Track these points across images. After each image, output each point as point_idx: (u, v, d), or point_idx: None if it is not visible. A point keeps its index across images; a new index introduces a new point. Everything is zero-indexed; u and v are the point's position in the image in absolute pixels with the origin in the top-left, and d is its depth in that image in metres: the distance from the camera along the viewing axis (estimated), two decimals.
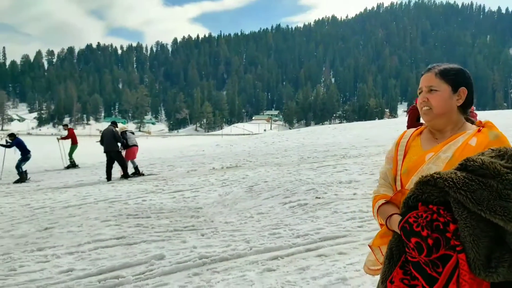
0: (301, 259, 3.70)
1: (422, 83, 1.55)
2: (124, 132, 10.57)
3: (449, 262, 1.16)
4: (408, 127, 9.43)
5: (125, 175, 9.94)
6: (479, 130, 1.45)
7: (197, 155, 15.40)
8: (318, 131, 25.30)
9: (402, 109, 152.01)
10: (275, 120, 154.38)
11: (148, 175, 10.25)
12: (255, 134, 43.69)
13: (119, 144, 10.16)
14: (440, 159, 1.43)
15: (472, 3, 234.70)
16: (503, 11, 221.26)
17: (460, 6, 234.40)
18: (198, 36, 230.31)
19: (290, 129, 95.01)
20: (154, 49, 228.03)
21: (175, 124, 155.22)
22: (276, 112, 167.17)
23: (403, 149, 1.60)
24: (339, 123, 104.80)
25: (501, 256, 1.13)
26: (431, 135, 1.56)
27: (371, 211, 1.51)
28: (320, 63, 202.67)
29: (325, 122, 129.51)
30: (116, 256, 3.99)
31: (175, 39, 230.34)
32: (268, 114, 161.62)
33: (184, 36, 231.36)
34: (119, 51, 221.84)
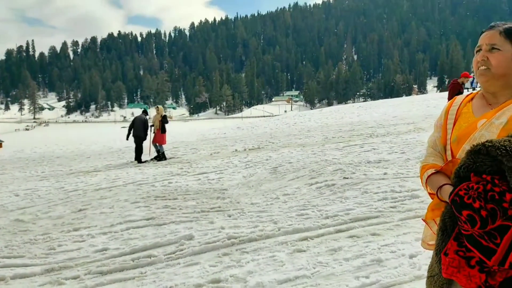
0: (332, 240, 3.63)
1: (482, 40, 1.42)
2: (165, 116, 10.67)
3: (508, 232, 1.11)
4: None
5: (159, 157, 10.14)
6: None
7: (219, 138, 15.43)
8: (341, 110, 24.83)
9: (431, 84, 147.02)
10: (296, 101, 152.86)
11: (171, 158, 10.35)
12: (276, 115, 43.41)
13: (148, 131, 10.55)
14: (494, 126, 1.34)
15: None
16: None
17: None
18: (215, 19, 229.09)
19: (311, 109, 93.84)
20: (172, 34, 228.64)
21: (196, 108, 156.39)
22: (296, 93, 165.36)
23: (453, 116, 1.49)
24: (363, 101, 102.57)
25: None
26: (484, 100, 1.45)
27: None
28: (341, 40, 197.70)
29: (348, 101, 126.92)
30: (147, 236, 4.04)
31: (192, 24, 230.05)
32: (288, 95, 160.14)
33: (201, 20, 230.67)
34: (139, 39, 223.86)
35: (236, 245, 3.68)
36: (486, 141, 1.19)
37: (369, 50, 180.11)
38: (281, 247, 3.56)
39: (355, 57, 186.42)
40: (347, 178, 5.91)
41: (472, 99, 1.51)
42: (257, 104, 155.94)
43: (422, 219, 1.55)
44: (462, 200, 1.17)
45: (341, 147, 9.34)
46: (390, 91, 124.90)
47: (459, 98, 1.55)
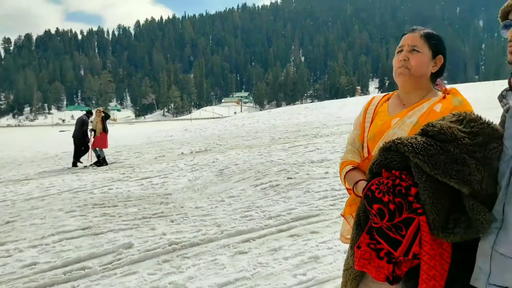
0: (273, 240, 3.67)
1: (404, 41, 1.49)
2: (106, 114, 10.19)
3: (411, 224, 1.18)
4: None
5: (99, 162, 9.66)
6: (444, 97, 1.45)
7: (165, 141, 15.07)
8: (289, 111, 25.34)
9: (373, 85, 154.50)
10: (245, 102, 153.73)
11: (113, 163, 9.92)
12: (225, 117, 43.37)
13: (88, 132, 10.11)
14: (405, 124, 1.42)
15: None
16: None
17: None
18: (161, 18, 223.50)
19: (261, 110, 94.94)
20: (116, 33, 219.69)
21: (142, 110, 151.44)
22: (246, 94, 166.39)
23: (370, 115, 1.58)
24: (311, 102, 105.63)
25: (458, 218, 1.15)
26: (398, 100, 1.54)
27: (343, 189, 1.49)
28: (289, 41, 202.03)
29: (297, 102, 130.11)
30: (82, 247, 3.83)
31: (138, 22, 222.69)
32: (238, 96, 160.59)
33: (147, 19, 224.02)
34: (79, 36, 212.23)
35: (177, 251, 3.60)
36: (396, 139, 1.24)
37: (315, 52, 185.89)
38: (223, 250, 3.54)
39: (302, 58, 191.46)
40: (291, 178, 6.04)
41: (388, 99, 1.59)
42: (207, 106, 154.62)
43: (341, 214, 1.62)
44: (373, 195, 1.22)
45: (287, 147, 9.52)
46: (336, 92, 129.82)
47: (377, 98, 1.64)
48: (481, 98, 11.21)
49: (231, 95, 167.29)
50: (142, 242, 3.84)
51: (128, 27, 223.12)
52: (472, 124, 1.23)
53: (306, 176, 6.06)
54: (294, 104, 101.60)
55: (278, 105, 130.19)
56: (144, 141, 15.83)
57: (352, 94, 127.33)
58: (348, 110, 21.61)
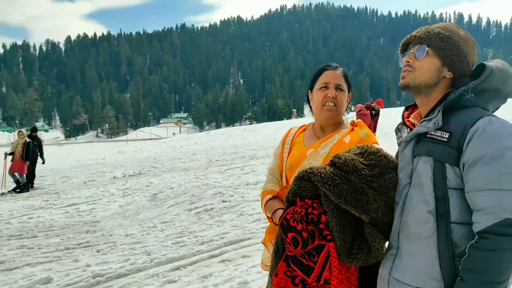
0: (204, 266, 3.63)
1: (329, 78, 1.58)
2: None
3: (322, 251, 1.24)
4: (373, 125, 10.16)
5: (19, 188, 8.84)
6: (352, 129, 1.58)
7: (96, 164, 14.30)
8: (227, 133, 25.48)
9: (308, 109, 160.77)
10: (185, 123, 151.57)
11: (35, 189, 9.16)
12: (163, 138, 42.32)
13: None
14: (319, 155, 1.52)
15: (366, 7, 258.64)
16: (393, 15, 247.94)
17: (356, 10, 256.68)
18: (95, 34, 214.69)
19: (200, 131, 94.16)
20: (44, 48, 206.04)
21: (73, 131, 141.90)
22: (185, 115, 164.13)
23: (288, 145, 1.67)
24: (249, 124, 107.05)
25: (361, 244, 1.24)
26: (313, 132, 1.65)
27: None
28: (228, 63, 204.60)
29: (236, 124, 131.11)
30: None
31: (69, 37, 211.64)
32: (176, 117, 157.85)
33: (79, 34, 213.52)
34: (1, 50, 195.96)
35: (102, 283, 3.41)
36: (308, 168, 1.32)
37: (254, 75, 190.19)
38: (152, 280, 3.42)
39: (241, 81, 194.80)
40: (226, 201, 6.05)
41: (304, 130, 1.70)
42: (144, 126, 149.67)
43: (262, 242, 1.67)
44: (288, 224, 1.28)
45: (223, 170, 9.53)
46: (273, 115, 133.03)
47: (294, 129, 1.74)
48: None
49: (170, 116, 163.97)
50: (63, 275, 3.58)
51: (58, 43, 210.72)
52: (371, 156, 1.35)
53: (241, 199, 6.10)
54: (233, 126, 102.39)
55: (218, 126, 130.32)
56: (74, 164, 14.86)
57: (289, 116, 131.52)
58: (284, 132, 22.20)
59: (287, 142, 1.70)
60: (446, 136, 1.14)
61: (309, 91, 1.69)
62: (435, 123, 1.17)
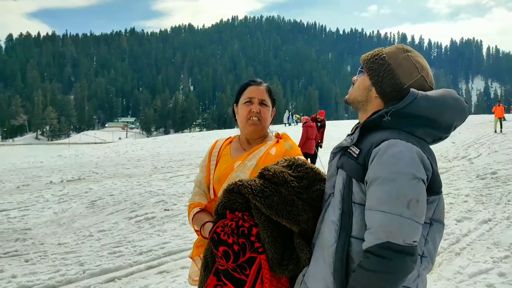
0: (141, 278, 3.55)
1: (253, 93, 1.63)
2: None
3: (254, 263, 1.25)
4: (319, 137, 10.41)
5: None
6: (277, 141, 1.64)
7: (33, 167, 13.36)
8: (176, 140, 24.98)
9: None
10: (132, 128, 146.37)
11: None
12: (108, 142, 40.55)
13: None
14: (246, 167, 1.56)
15: (315, 23, 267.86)
16: (341, 32, 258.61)
17: (305, 24, 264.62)
18: (39, 33, 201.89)
19: (148, 137, 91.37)
20: None
21: (11, 132, 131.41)
22: (132, 119, 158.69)
23: (215, 157, 1.69)
24: (199, 131, 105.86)
25: (291, 254, 1.28)
26: (239, 144, 1.68)
27: None
28: (178, 70, 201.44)
29: (185, 130, 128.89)
30: None
31: (10, 36, 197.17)
32: (123, 121, 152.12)
33: (21, 33, 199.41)
34: None
35: None
36: (238, 181, 1.35)
37: (204, 82, 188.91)
38: None
39: (192, 87, 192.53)
40: (168, 210, 5.95)
41: (230, 142, 1.74)
42: (88, 130, 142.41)
43: (189, 257, 1.66)
44: (219, 237, 1.28)
45: (168, 177, 9.36)
46: (224, 123, 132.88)
47: (220, 141, 1.77)
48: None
49: (116, 120, 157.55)
50: None
51: None
52: (299, 168, 1.41)
53: (184, 208, 6.03)
54: (182, 132, 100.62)
55: (167, 132, 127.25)
56: (8, 168, 13.76)
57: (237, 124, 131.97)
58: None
59: (213, 154, 1.71)
60: (357, 152, 1.18)
61: (235, 104, 1.74)
62: (351, 139, 1.24)
